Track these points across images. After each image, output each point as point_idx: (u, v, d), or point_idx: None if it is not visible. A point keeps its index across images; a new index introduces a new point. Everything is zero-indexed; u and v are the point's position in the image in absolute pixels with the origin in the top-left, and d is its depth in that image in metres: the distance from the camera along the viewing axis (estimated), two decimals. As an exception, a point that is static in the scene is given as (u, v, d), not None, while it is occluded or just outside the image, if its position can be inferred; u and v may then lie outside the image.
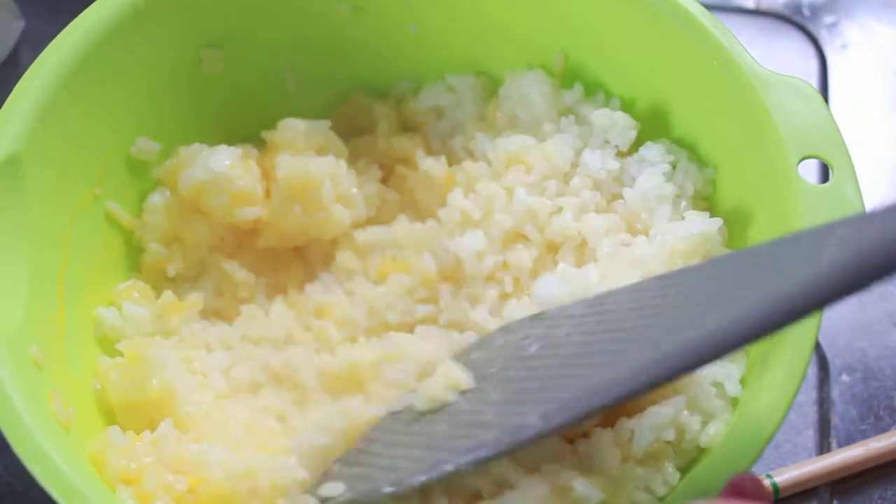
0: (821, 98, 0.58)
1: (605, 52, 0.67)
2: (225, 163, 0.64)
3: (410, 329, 0.63)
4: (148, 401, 0.59)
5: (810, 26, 0.91)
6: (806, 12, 0.92)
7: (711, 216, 0.61)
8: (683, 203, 0.63)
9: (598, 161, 0.64)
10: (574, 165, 0.65)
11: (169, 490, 0.54)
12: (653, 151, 0.64)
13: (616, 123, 0.65)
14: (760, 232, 0.59)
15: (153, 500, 0.54)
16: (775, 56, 0.88)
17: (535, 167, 0.64)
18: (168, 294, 0.65)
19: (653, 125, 0.66)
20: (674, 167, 0.64)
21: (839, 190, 0.55)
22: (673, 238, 0.59)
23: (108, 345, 0.63)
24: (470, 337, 0.61)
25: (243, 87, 0.70)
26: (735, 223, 0.61)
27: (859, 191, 0.56)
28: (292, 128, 0.67)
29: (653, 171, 0.63)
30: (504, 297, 0.63)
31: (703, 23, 0.61)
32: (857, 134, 0.75)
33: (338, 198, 0.66)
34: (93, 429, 0.58)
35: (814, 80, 0.87)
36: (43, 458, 0.50)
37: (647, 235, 0.62)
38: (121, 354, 0.61)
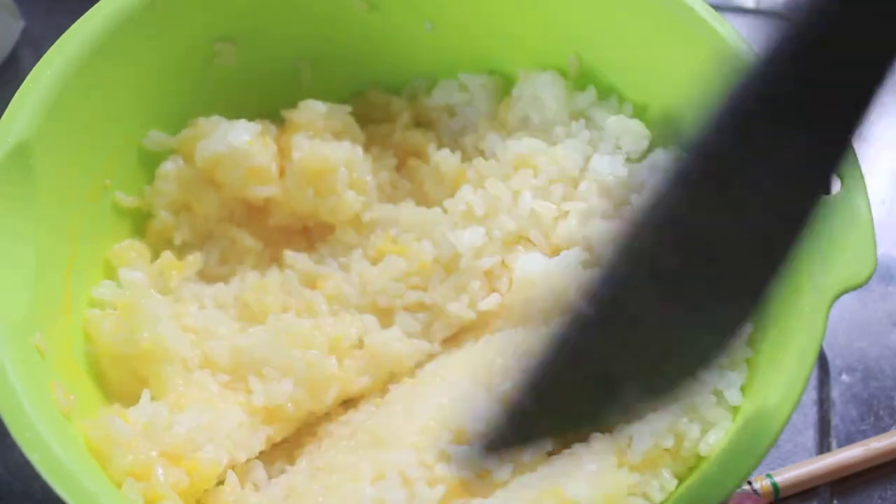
0: None
1: (619, 57, 0.66)
2: (244, 138, 0.64)
3: (391, 313, 0.64)
4: (137, 354, 0.59)
5: (810, 26, 0.91)
6: (806, 12, 0.92)
7: None
8: None
9: (607, 167, 0.64)
10: (583, 170, 0.65)
11: (175, 486, 0.55)
12: (663, 158, 0.64)
13: (629, 130, 0.65)
14: None
15: (162, 500, 0.54)
16: (775, 56, 0.88)
17: (542, 171, 0.64)
18: (167, 254, 0.65)
19: (665, 130, 0.65)
20: None
21: (848, 200, 0.55)
22: None
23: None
24: (440, 330, 0.62)
25: (257, 80, 0.70)
26: None
27: (868, 202, 0.55)
28: (312, 109, 0.67)
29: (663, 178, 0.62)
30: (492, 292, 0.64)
31: (715, 28, 0.60)
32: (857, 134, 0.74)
33: (351, 184, 0.66)
34: (93, 416, 0.58)
35: (814, 80, 0.87)
36: (42, 446, 0.50)
37: None
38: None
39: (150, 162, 0.66)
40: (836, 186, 0.55)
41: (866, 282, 0.53)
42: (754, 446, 0.50)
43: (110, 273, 0.64)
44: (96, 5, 0.62)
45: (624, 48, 0.66)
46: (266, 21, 0.68)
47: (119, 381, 0.60)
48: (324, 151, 0.65)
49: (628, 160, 0.65)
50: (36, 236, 0.57)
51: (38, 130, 0.58)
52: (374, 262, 0.65)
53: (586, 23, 0.66)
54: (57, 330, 0.58)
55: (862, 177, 0.55)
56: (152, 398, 0.59)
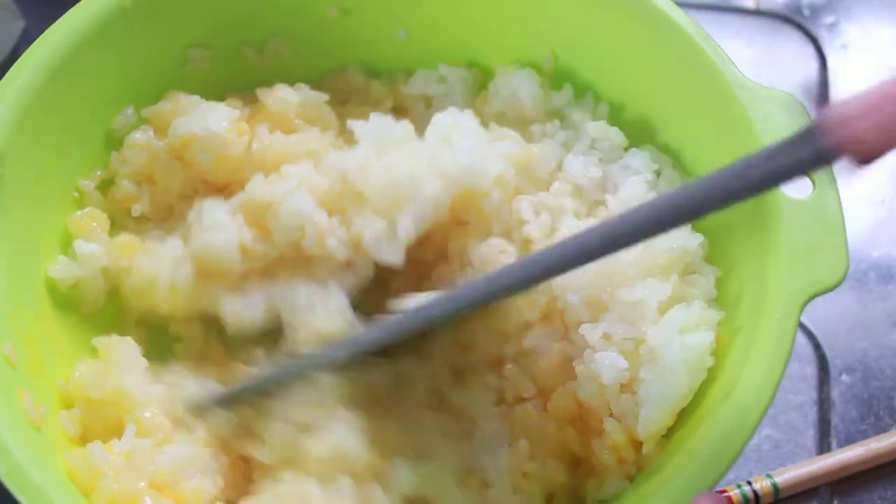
0: (806, 113, 0.58)
1: (596, 56, 0.67)
2: (222, 124, 0.63)
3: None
4: (103, 400, 0.58)
5: (810, 26, 0.91)
6: (806, 12, 0.92)
7: (693, 228, 0.60)
8: None
9: (581, 167, 0.64)
10: (557, 169, 0.65)
11: None
12: (637, 159, 0.64)
13: (608, 137, 0.65)
14: (741, 244, 0.58)
15: None
16: (775, 56, 0.88)
17: (515, 169, 0.64)
18: (125, 236, 0.64)
19: (640, 129, 0.66)
20: (658, 175, 0.64)
21: (819, 203, 0.55)
22: (653, 250, 0.59)
23: (88, 346, 0.62)
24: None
25: (230, 82, 0.69)
26: (715, 235, 0.60)
27: (840, 203, 0.55)
28: (285, 98, 0.67)
29: (637, 179, 0.63)
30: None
31: (689, 33, 0.60)
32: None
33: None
34: (64, 430, 0.58)
35: (814, 81, 0.87)
36: (6, 456, 0.50)
37: None
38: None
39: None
40: (808, 189, 0.55)
41: (839, 284, 0.53)
42: (725, 451, 0.50)
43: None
44: (66, 13, 0.62)
45: (601, 46, 0.66)
46: (239, 25, 0.68)
47: (97, 422, 0.59)
48: (284, 146, 0.64)
49: (602, 161, 0.65)
50: (7, 247, 0.57)
51: (9, 140, 0.58)
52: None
53: (563, 19, 0.66)
54: (28, 340, 0.58)
55: (834, 179, 0.56)
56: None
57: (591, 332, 0.58)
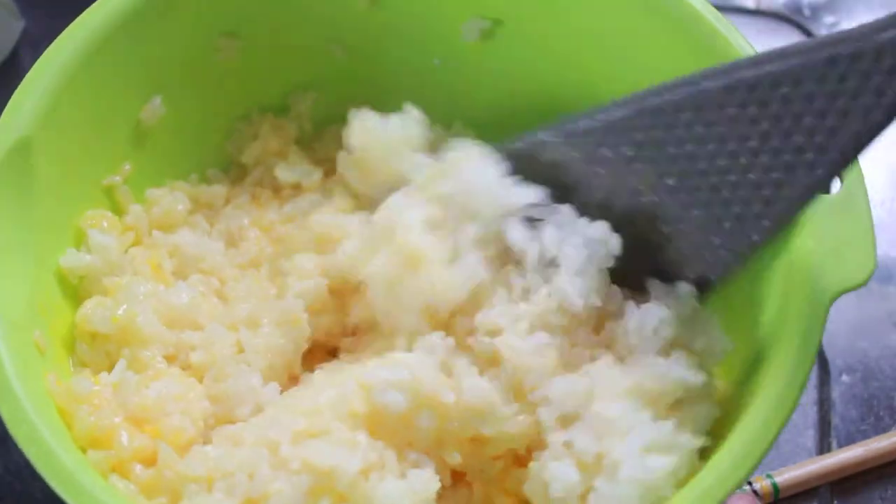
0: None
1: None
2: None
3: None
4: (114, 334, 0.59)
5: (810, 26, 0.91)
6: (806, 12, 0.92)
7: None
8: None
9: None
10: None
11: (139, 453, 0.54)
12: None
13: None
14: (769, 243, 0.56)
15: (130, 466, 0.54)
16: (775, 56, 0.88)
17: None
18: (136, 209, 0.64)
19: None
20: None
21: (848, 201, 0.54)
22: (644, 373, 0.54)
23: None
24: None
25: (259, 75, 0.69)
26: None
27: (867, 202, 0.55)
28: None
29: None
30: None
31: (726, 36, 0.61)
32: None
33: None
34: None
35: (814, 80, 0.87)
36: (38, 441, 0.50)
37: None
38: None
39: (154, 161, 0.66)
40: (836, 186, 0.55)
41: (865, 283, 0.53)
42: (751, 451, 0.50)
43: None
44: (97, 2, 0.62)
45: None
46: (272, 15, 0.67)
47: (95, 360, 0.59)
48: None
49: None
50: (34, 236, 0.57)
51: (40, 128, 0.57)
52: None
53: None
54: (56, 327, 0.58)
55: (862, 177, 0.55)
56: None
57: (554, 436, 0.53)
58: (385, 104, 0.63)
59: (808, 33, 0.90)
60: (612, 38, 0.64)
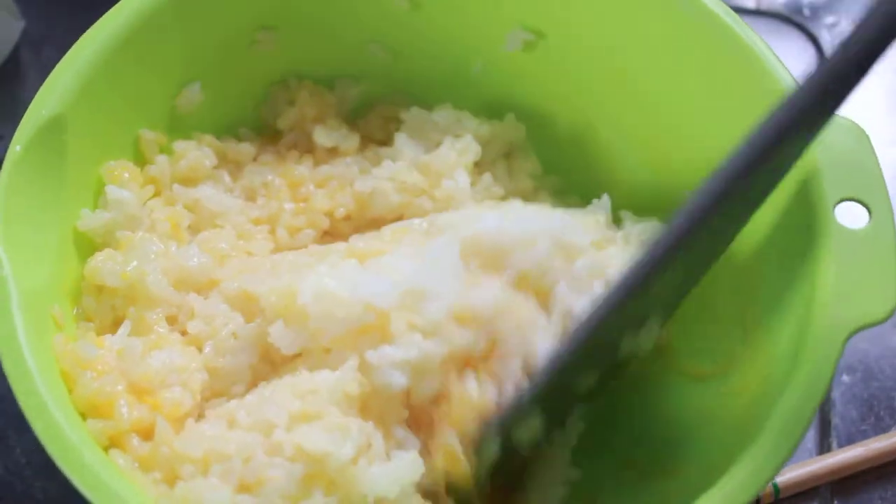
0: (869, 140, 0.56)
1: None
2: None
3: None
4: (122, 290, 0.59)
5: (810, 26, 0.91)
6: (806, 12, 0.92)
7: (737, 253, 0.58)
8: None
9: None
10: None
11: (138, 424, 0.54)
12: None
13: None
14: (790, 272, 0.56)
15: (128, 438, 0.54)
16: (775, 56, 0.88)
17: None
18: (161, 159, 0.63)
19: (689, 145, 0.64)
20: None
21: (874, 236, 0.53)
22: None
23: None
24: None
25: (295, 66, 0.70)
26: (765, 256, 0.58)
27: (895, 238, 0.54)
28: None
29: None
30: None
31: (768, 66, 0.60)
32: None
33: None
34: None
35: (814, 80, 0.87)
36: (45, 415, 0.50)
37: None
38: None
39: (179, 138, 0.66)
40: (864, 219, 0.54)
41: (885, 320, 0.52)
42: (754, 481, 0.49)
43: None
44: None
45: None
46: (307, 11, 0.68)
47: (99, 313, 0.59)
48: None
49: None
50: (62, 212, 0.57)
51: (72, 106, 0.57)
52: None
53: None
54: (75, 304, 0.58)
55: (892, 213, 0.54)
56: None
57: None
58: (427, 97, 0.67)
59: (808, 33, 0.90)
60: (654, 56, 0.64)
